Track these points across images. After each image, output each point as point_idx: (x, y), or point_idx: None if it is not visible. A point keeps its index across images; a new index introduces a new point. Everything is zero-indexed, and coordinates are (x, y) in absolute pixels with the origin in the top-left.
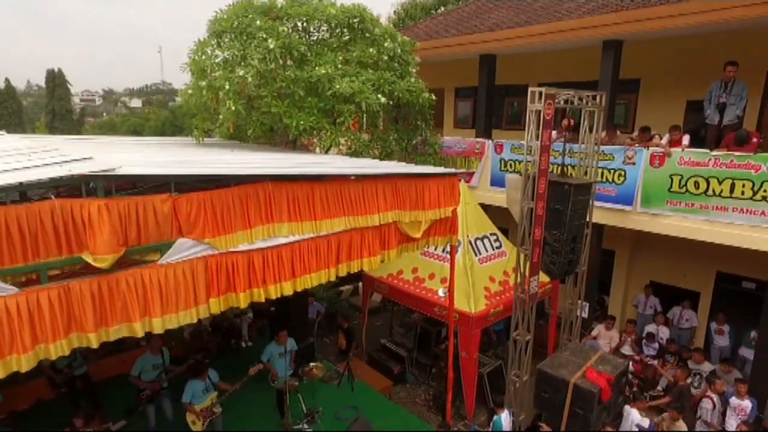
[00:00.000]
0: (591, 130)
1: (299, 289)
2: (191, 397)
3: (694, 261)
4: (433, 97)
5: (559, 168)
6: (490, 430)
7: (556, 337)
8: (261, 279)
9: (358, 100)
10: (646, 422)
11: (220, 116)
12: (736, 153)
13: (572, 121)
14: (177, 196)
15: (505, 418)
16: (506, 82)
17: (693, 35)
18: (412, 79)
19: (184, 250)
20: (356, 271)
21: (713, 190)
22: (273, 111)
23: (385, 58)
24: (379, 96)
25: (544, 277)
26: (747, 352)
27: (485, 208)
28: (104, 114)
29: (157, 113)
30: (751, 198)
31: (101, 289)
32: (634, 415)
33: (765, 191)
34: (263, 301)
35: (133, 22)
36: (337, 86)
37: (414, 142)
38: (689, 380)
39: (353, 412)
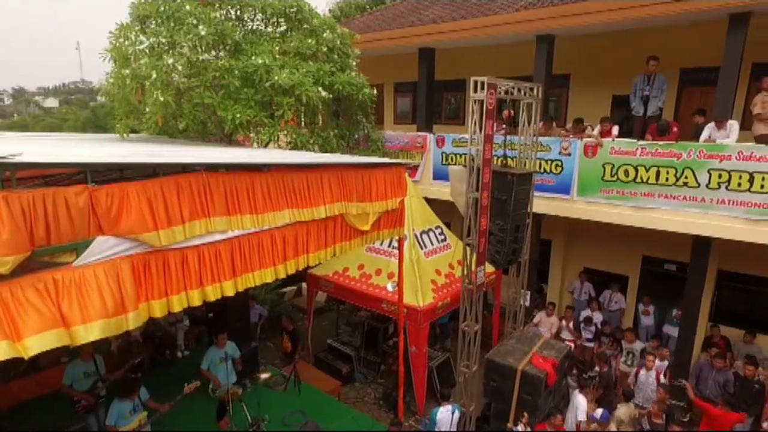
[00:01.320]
0: (529, 122)
1: (241, 289)
2: (116, 420)
3: (622, 246)
4: (375, 91)
5: (501, 160)
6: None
7: (501, 327)
8: (197, 279)
9: (298, 92)
10: (599, 412)
11: (147, 109)
12: (661, 142)
13: (512, 113)
14: (94, 188)
15: (442, 411)
16: (445, 77)
17: (618, 31)
18: (353, 73)
19: (106, 249)
20: (304, 267)
21: (641, 178)
22: (206, 102)
23: (324, 49)
24: (320, 89)
25: (488, 268)
26: (670, 329)
27: (428, 202)
28: (15, 115)
29: (76, 113)
30: (674, 184)
31: (3, 297)
32: (580, 402)
33: (686, 177)
34: (201, 304)
35: (48, 18)
36: (276, 78)
37: (356, 137)
38: (623, 359)
39: (301, 416)
